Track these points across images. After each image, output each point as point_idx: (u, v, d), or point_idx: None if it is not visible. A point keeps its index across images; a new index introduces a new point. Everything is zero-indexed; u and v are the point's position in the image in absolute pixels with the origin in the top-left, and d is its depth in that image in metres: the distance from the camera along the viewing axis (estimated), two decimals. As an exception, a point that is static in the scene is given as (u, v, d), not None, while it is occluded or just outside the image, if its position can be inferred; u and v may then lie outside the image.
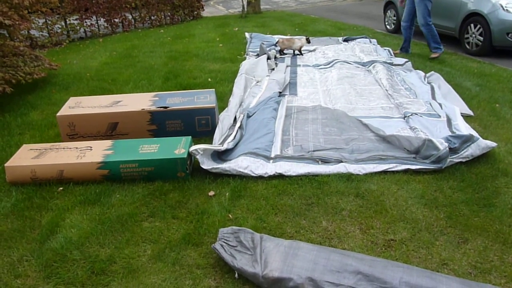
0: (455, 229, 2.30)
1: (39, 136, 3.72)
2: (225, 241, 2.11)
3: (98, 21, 9.29)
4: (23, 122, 4.04)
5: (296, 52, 6.20)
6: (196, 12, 11.29)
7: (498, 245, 2.16)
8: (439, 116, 3.64)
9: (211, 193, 2.72)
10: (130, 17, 9.92)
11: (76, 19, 8.77)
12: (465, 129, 3.36)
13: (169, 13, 10.58)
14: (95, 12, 9.04)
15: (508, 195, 2.59)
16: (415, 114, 3.64)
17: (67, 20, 8.60)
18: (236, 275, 1.99)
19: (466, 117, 3.72)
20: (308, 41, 6.17)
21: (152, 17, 10.24)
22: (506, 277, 1.95)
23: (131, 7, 9.65)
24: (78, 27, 8.80)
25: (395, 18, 8.16)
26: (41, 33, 7.97)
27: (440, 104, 3.86)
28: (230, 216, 2.48)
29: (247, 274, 1.95)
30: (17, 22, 4.78)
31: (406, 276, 1.84)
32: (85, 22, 8.94)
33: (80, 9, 8.71)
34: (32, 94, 4.87)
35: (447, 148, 2.87)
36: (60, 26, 8.44)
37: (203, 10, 11.77)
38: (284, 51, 6.24)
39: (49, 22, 8.17)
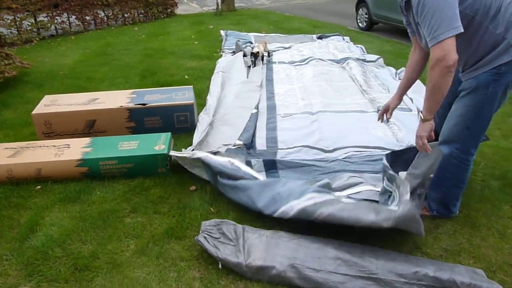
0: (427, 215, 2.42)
1: (13, 135, 3.64)
2: (208, 233, 2.15)
3: (70, 18, 9.10)
4: (-4, 121, 3.95)
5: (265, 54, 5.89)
6: (170, 10, 11.20)
7: (467, 229, 2.29)
8: (410, 110, 3.79)
9: (193, 187, 2.76)
10: (103, 14, 9.74)
11: (46, 16, 8.56)
12: (435, 122, 3.50)
13: (142, 11, 10.46)
14: (66, 9, 8.85)
15: (475, 182, 2.74)
16: (388, 108, 3.76)
17: (36, 17, 8.38)
18: (220, 265, 2.03)
19: (435, 111, 3.87)
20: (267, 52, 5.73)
21: (125, 15, 10.10)
22: (474, 257, 2.09)
23: (103, 4, 9.49)
24: (48, 24, 8.59)
25: (366, 16, 8.36)
26: (9, 30, 7.74)
27: (411, 99, 4.01)
28: (212, 209, 2.53)
29: (231, 264, 2.00)
30: (-15, 19, 4.66)
31: (382, 260, 1.94)
32: (56, 19, 8.74)
33: (50, 5, 8.50)
34: (3, 93, 4.75)
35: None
36: (29, 23, 8.22)
37: (177, 7, 11.69)
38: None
39: (18, 19, 7.94)
